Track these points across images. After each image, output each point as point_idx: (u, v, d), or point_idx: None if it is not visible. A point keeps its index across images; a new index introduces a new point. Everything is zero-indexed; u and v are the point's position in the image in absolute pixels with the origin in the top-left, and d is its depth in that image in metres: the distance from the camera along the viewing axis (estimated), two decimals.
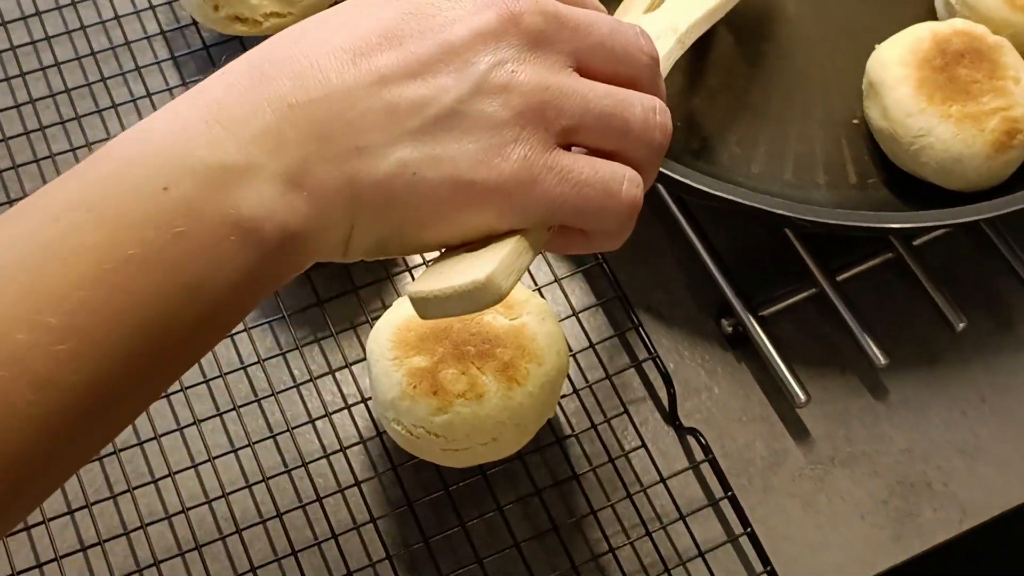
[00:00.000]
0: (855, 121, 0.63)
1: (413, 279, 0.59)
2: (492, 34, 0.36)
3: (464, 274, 0.35)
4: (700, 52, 0.65)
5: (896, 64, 0.59)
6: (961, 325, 0.59)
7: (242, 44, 0.65)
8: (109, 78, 0.64)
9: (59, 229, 0.31)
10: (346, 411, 0.56)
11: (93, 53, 0.65)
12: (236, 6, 0.62)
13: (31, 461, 0.30)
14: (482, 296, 0.35)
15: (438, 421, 0.51)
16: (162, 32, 0.66)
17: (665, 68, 0.49)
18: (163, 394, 0.50)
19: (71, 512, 0.53)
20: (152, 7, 0.67)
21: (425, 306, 0.36)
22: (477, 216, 0.36)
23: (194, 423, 0.55)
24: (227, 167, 0.33)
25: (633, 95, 0.38)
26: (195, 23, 0.66)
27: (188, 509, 0.53)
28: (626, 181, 0.37)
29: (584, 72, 0.37)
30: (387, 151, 0.35)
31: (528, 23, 0.36)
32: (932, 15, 0.65)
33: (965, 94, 0.58)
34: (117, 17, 0.66)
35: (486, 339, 0.52)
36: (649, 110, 0.38)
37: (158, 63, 0.65)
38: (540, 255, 0.60)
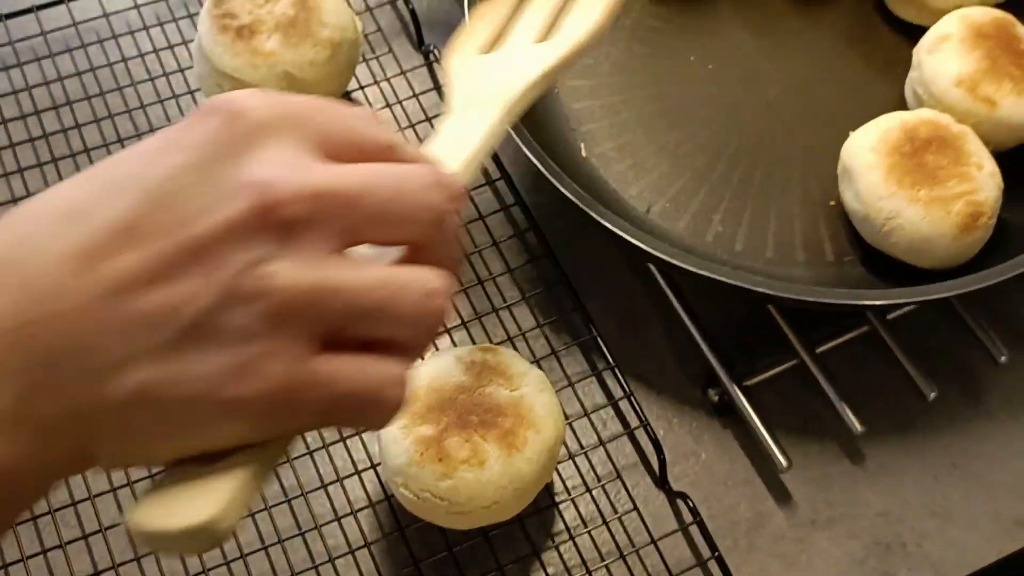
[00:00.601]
0: (832, 203, 0.67)
1: None
2: (244, 228, 0.32)
3: (188, 510, 0.33)
4: (685, 135, 0.69)
5: (868, 151, 0.64)
6: (932, 395, 0.63)
7: None
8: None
9: None
10: (356, 476, 0.60)
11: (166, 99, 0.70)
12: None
13: None
14: (203, 537, 0.33)
15: (443, 486, 0.54)
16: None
17: (483, 147, 0.46)
18: None
19: None
20: (181, 94, 0.71)
21: (146, 541, 0.33)
22: (223, 435, 0.33)
23: None
24: None
25: (409, 280, 0.34)
26: None
27: (209, 570, 0.57)
28: (393, 385, 0.34)
29: (352, 244, 0.34)
30: (120, 374, 0.31)
31: (285, 214, 0.32)
32: (902, 104, 0.70)
33: (932, 179, 0.62)
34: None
35: (488, 409, 0.56)
36: (424, 296, 0.34)
37: None
38: (538, 328, 0.64)
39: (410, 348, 0.35)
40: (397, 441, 0.55)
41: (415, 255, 0.35)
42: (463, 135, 0.46)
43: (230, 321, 0.32)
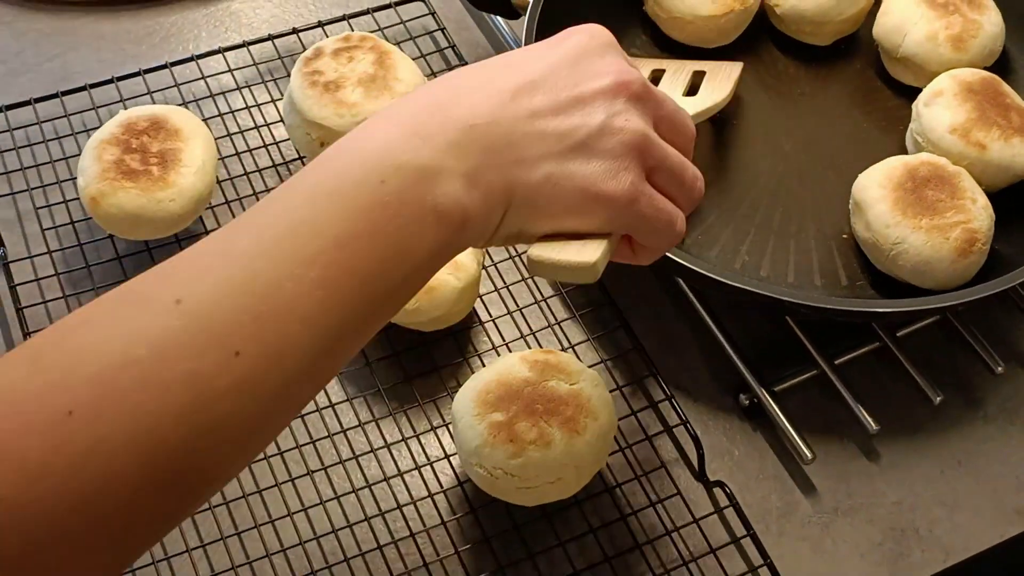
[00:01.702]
0: (844, 236, 0.76)
1: (484, 365, 0.71)
2: (610, 92, 0.50)
3: (578, 254, 0.50)
4: (714, 181, 0.79)
5: (876, 187, 0.73)
6: (939, 399, 0.71)
7: None
8: None
9: (311, 210, 0.44)
10: (429, 466, 0.68)
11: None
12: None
13: (299, 377, 0.43)
14: (585, 273, 0.49)
15: (514, 463, 0.62)
16: (274, 165, 0.80)
17: None
18: (301, 443, 0.62)
19: (192, 550, 0.64)
20: (269, 144, 0.81)
21: (540, 267, 0.50)
22: (589, 219, 0.50)
23: (307, 474, 0.67)
24: (425, 168, 0.45)
25: (686, 160, 0.53)
26: (301, 157, 0.80)
27: (306, 542, 0.65)
28: (680, 218, 0.53)
29: (656, 132, 0.52)
30: (537, 165, 0.48)
31: (633, 89, 0.51)
32: (903, 150, 0.79)
33: (932, 210, 0.71)
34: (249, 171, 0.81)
35: (551, 399, 0.64)
36: (694, 173, 0.54)
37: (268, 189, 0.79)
38: (588, 340, 0.73)
39: (682, 203, 0.53)
40: (472, 427, 0.63)
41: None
42: None
43: (604, 144, 0.49)
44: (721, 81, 0.77)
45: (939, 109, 0.76)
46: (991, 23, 0.81)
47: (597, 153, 0.49)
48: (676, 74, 0.77)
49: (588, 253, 0.50)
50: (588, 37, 0.52)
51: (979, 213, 0.72)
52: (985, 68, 0.81)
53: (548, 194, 0.49)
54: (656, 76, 0.76)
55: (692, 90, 0.76)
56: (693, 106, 0.73)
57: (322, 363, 0.44)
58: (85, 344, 0.40)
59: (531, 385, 0.64)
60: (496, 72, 0.50)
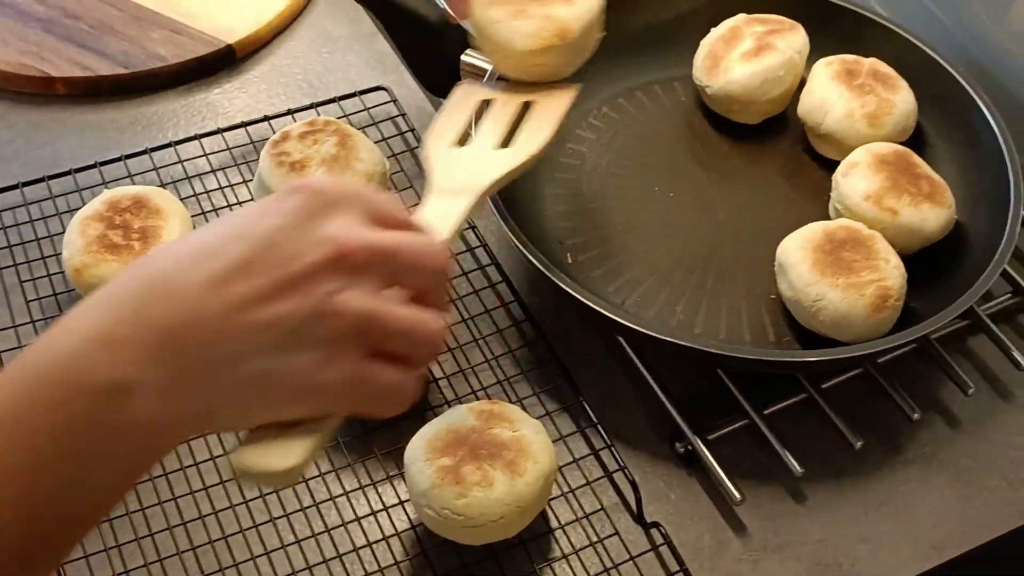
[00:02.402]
0: (772, 296, 0.82)
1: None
2: (328, 265, 0.47)
3: (283, 456, 0.49)
4: (652, 247, 0.85)
5: (797, 249, 0.79)
6: (859, 444, 0.76)
7: None
8: None
9: None
10: (385, 512, 0.73)
11: None
12: None
13: None
14: (288, 477, 0.50)
15: (460, 503, 0.67)
16: None
17: (460, 223, 0.63)
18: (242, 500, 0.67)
19: None
20: None
21: (245, 477, 0.50)
22: (305, 408, 0.50)
23: (270, 520, 0.72)
24: (116, 384, 0.43)
25: (425, 316, 0.51)
26: None
27: None
28: (408, 386, 0.51)
29: (391, 284, 0.50)
30: (244, 363, 0.46)
31: (356, 259, 0.48)
32: (827, 218, 0.86)
33: (849, 270, 0.78)
34: None
35: (495, 444, 0.69)
36: (428, 331, 0.51)
37: None
38: (534, 395, 0.79)
39: (417, 364, 0.52)
40: (422, 471, 0.69)
41: (420, 299, 0.51)
42: (446, 212, 0.63)
43: (318, 332, 0.47)
44: (544, 122, 0.72)
45: (855, 179, 0.83)
46: (904, 101, 0.88)
47: (309, 342, 0.47)
48: (504, 107, 0.73)
49: (291, 456, 0.50)
50: (310, 196, 0.49)
51: (892, 272, 0.78)
52: (901, 142, 0.88)
53: (258, 392, 0.47)
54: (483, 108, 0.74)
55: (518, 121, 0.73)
56: (504, 163, 0.69)
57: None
58: None
59: (477, 432, 0.70)
60: (199, 252, 0.47)
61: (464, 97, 0.75)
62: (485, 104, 0.74)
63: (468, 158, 0.69)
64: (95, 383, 0.43)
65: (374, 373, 0.50)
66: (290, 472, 0.50)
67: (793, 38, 0.90)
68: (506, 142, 0.71)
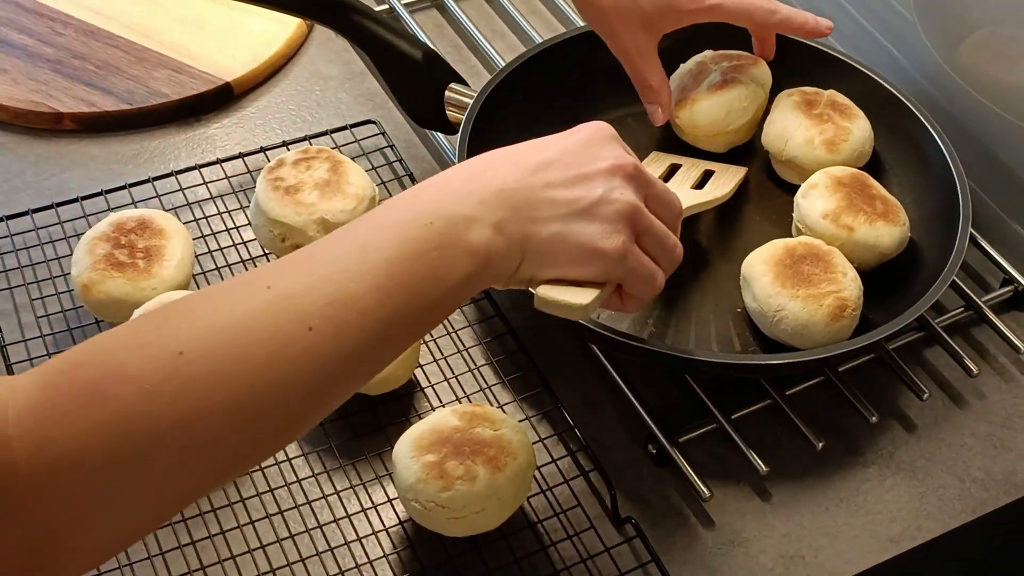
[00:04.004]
0: (739, 310, 0.88)
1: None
2: (609, 172, 0.65)
3: (575, 296, 0.64)
4: None
5: (760, 263, 0.85)
6: (820, 444, 0.81)
7: None
8: None
9: (376, 236, 0.58)
10: (374, 509, 0.77)
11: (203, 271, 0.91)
12: (297, 238, 0.87)
13: (354, 356, 0.56)
14: (578, 311, 0.64)
15: (444, 496, 0.72)
16: (241, 260, 0.92)
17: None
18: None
19: None
20: (238, 243, 0.93)
21: (544, 303, 0.64)
22: (587, 269, 0.64)
23: (266, 517, 0.76)
24: (463, 216, 0.60)
25: (668, 231, 0.68)
26: (266, 254, 0.92)
27: (265, 573, 0.74)
28: (660, 275, 0.68)
29: (646, 206, 0.66)
30: (549, 224, 0.63)
31: (628, 171, 0.65)
32: (788, 236, 0.91)
33: (808, 282, 0.83)
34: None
35: (477, 442, 0.74)
36: (674, 242, 0.68)
37: None
38: (515, 401, 0.83)
39: (663, 265, 0.68)
40: (409, 467, 0.73)
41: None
42: None
43: (602, 211, 0.64)
44: (724, 181, 0.94)
45: (814, 199, 0.89)
46: (860, 129, 0.94)
47: (596, 218, 0.63)
48: (689, 170, 0.94)
49: (583, 297, 0.64)
50: (594, 130, 0.67)
51: (849, 284, 0.83)
52: (860, 167, 0.94)
53: (556, 247, 0.63)
54: (673, 170, 0.94)
55: (701, 183, 0.93)
56: (696, 197, 0.90)
57: (373, 349, 0.57)
58: (198, 308, 0.54)
59: (460, 432, 0.75)
60: (522, 152, 0.65)
61: (656, 160, 0.96)
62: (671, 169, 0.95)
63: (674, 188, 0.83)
64: (452, 214, 0.60)
65: (639, 252, 0.66)
66: (584, 308, 0.64)
67: (756, 72, 0.97)
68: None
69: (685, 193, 0.90)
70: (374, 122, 1.02)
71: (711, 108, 0.95)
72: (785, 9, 0.93)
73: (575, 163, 0.64)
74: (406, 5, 1.14)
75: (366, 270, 0.56)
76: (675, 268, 0.69)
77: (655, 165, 0.95)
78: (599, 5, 0.90)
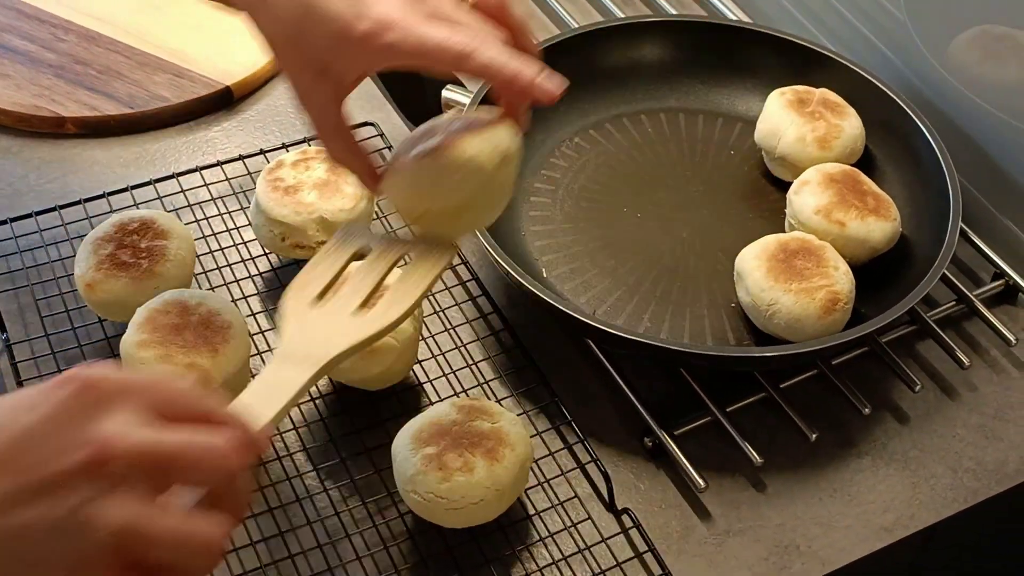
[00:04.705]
0: (732, 304, 0.89)
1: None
2: (82, 473, 0.43)
3: None
4: (620, 262, 0.92)
5: (753, 258, 0.86)
6: (814, 436, 0.82)
7: (299, 265, 0.92)
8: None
9: None
10: (374, 501, 0.79)
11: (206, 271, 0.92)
12: (297, 237, 0.89)
13: None
14: None
15: (443, 487, 0.73)
16: (242, 260, 0.93)
17: (294, 399, 0.60)
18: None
19: None
20: (239, 243, 0.94)
21: None
22: None
23: (268, 510, 0.78)
24: None
25: (200, 524, 0.46)
26: (266, 253, 0.93)
27: (264, 566, 0.75)
28: None
29: (168, 486, 0.46)
30: None
31: (113, 467, 0.43)
32: (781, 231, 0.93)
33: (801, 276, 0.84)
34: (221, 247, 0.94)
35: (475, 435, 0.75)
36: (208, 533, 0.47)
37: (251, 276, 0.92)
38: (512, 396, 0.85)
39: (199, 569, 0.47)
40: (408, 459, 0.74)
41: (211, 499, 0.48)
42: (279, 386, 0.61)
43: (63, 546, 0.43)
44: (412, 287, 0.69)
45: (806, 195, 0.90)
46: (852, 127, 0.96)
47: (52, 561, 0.42)
48: (378, 260, 0.71)
49: None
50: (80, 390, 0.45)
51: (841, 278, 0.85)
52: (851, 164, 0.95)
53: None
54: (364, 253, 0.72)
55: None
56: (355, 333, 0.66)
57: None
58: None
59: (458, 424, 0.76)
60: None
61: (338, 245, 0.71)
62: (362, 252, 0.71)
63: (323, 320, 0.67)
64: None
65: None
66: None
67: (491, 135, 0.82)
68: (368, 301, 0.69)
69: (344, 325, 0.67)
70: (372, 124, 1.03)
71: (405, 182, 0.71)
72: (489, 53, 0.63)
73: (30, 462, 0.43)
74: None
75: None
76: (212, 565, 0.47)
77: (332, 255, 0.71)
78: (265, 34, 0.67)
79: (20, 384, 0.83)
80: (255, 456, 0.50)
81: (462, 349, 0.88)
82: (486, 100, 0.93)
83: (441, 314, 0.89)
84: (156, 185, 0.97)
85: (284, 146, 1.01)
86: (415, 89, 0.98)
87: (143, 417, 0.46)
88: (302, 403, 0.83)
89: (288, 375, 0.62)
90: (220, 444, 0.47)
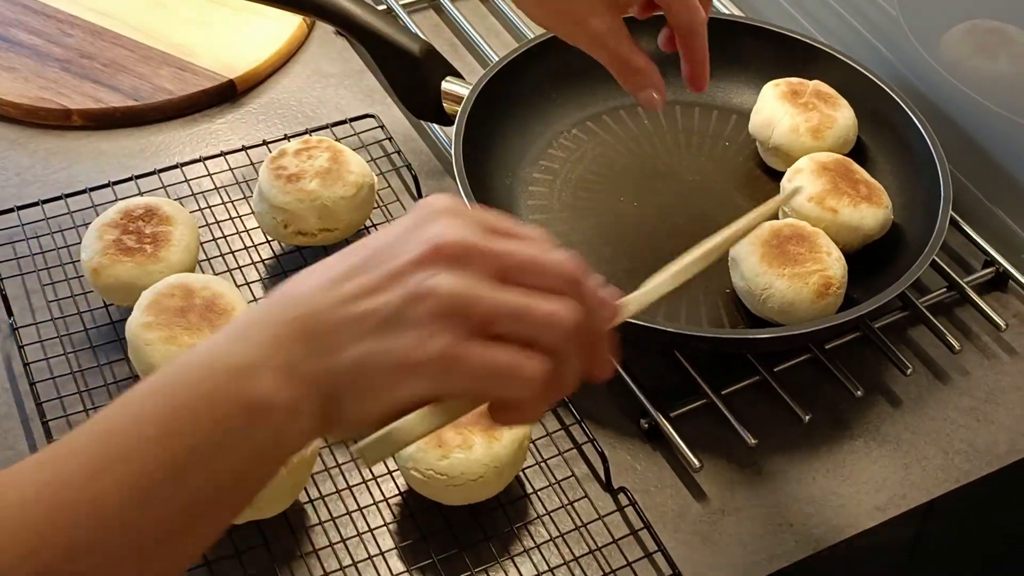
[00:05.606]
0: (727, 291, 0.90)
1: None
2: (423, 261, 0.50)
3: (402, 423, 0.52)
4: (617, 249, 0.94)
5: (748, 244, 0.87)
6: (807, 417, 0.84)
7: (301, 252, 0.94)
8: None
9: (139, 407, 0.50)
10: (375, 481, 0.80)
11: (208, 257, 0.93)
12: (299, 224, 0.90)
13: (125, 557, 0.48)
14: (403, 438, 0.52)
15: (442, 464, 0.74)
16: (245, 247, 0.95)
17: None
18: None
19: None
20: (241, 231, 0.96)
21: (362, 451, 0.52)
22: (407, 390, 0.50)
23: None
24: (238, 366, 0.49)
25: (543, 296, 0.51)
26: (268, 241, 0.95)
27: (273, 542, 0.76)
28: (529, 365, 0.51)
29: (506, 282, 0.51)
30: (347, 350, 0.50)
31: (448, 252, 0.51)
32: (775, 217, 0.94)
33: (794, 262, 0.86)
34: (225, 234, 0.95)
35: (474, 413, 0.76)
36: (545, 311, 0.51)
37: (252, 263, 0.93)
38: None
39: (545, 346, 0.51)
40: None
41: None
42: (657, 287, 0.68)
43: (411, 314, 0.50)
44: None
45: (799, 183, 0.92)
46: (844, 117, 0.97)
47: (405, 324, 0.50)
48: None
49: (404, 422, 0.52)
50: (418, 211, 0.53)
51: (833, 263, 0.86)
52: (844, 154, 0.97)
53: (365, 373, 0.50)
54: None
55: None
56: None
57: (135, 561, 0.48)
58: None
59: None
60: (329, 263, 0.53)
61: None
62: None
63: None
64: (228, 365, 0.50)
65: (469, 351, 0.50)
66: (404, 435, 0.52)
67: None
68: None
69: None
70: (373, 116, 1.05)
71: None
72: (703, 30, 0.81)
73: (380, 262, 0.51)
74: (404, 6, 1.17)
75: (114, 459, 0.47)
76: (564, 337, 0.51)
77: None
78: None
79: (27, 367, 0.84)
80: (597, 327, 0.55)
81: None
82: (489, 85, 0.96)
83: None
84: (160, 175, 0.99)
85: (286, 137, 1.02)
86: (415, 81, 1.00)
87: (470, 227, 0.52)
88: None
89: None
90: (548, 251, 0.53)
